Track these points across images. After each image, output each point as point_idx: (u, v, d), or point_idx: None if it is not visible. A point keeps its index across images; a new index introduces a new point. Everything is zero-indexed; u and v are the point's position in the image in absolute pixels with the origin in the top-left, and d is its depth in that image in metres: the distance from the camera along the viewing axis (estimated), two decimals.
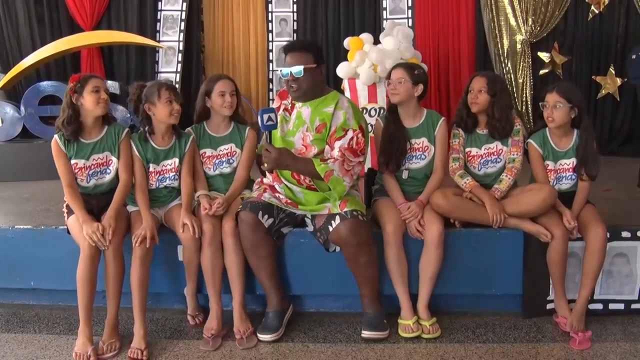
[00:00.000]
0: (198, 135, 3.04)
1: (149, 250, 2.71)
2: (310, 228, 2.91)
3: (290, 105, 2.93)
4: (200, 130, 3.07)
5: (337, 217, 2.73)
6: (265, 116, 2.61)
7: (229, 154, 3.04)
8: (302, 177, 2.85)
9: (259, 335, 2.78)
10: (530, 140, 2.99)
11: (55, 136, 2.77)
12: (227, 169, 3.05)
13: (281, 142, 2.87)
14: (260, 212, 2.76)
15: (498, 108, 2.93)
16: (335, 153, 2.74)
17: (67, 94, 2.75)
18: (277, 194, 2.87)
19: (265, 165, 2.71)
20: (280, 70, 2.82)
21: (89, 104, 2.74)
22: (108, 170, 2.84)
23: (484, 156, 3.00)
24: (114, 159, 2.84)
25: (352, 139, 2.76)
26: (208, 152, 3.03)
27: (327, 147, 2.81)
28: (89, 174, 2.80)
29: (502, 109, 2.93)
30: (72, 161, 2.77)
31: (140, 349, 2.63)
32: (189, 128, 3.07)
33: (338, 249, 2.84)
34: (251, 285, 2.94)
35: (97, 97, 2.74)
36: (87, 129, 2.80)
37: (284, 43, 6.72)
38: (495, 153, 2.99)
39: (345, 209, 2.73)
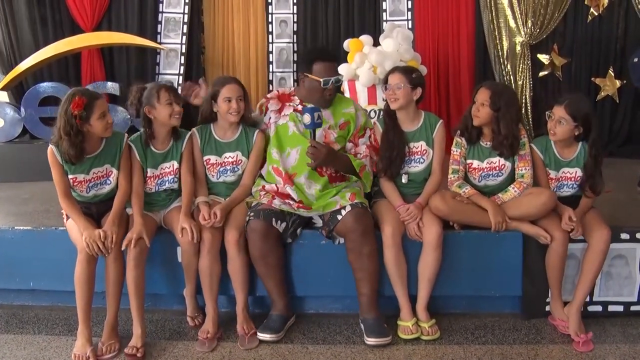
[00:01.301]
0: (203, 139, 3.00)
1: (143, 252, 2.70)
2: (319, 223, 2.93)
3: (300, 106, 2.99)
4: (206, 133, 3.01)
5: (347, 207, 2.79)
6: (316, 114, 2.76)
7: (234, 163, 3.00)
8: (324, 169, 2.95)
9: (259, 334, 2.78)
10: (532, 145, 2.95)
11: (52, 147, 2.69)
12: (231, 178, 3.02)
13: (302, 140, 2.93)
14: (274, 218, 2.79)
15: (503, 124, 2.82)
16: (362, 150, 3.06)
17: (69, 118, 2.59)
18: (287, 200, 2.89)
19: (312, 161, 2.82)
20: (333, 80, 2.91)
21: (97, 130, 2.67)
22: (108, 181, 2.81)
23: (485, 170, 2.95)
24: (115, 170, 2.80)
25: (370, 136, 3.11)
26: (212, 159, 3.00)
27: (349, 144, 3.07)
28: (89, 186, 2.77)
29: (507, 125, 2.82)
30: (71, 176, 2.72)
31: (136, 347, 2.64)
32: (194, 129, 3.02)
33: (342, 240, 2.86)
34: (252, 287, 2.94)
35: (105, 123, 2.67)
36: (88, 147, 2.73)
37: (284, 45, 6.77)
38: (497, 168, 2.94)
39: (355, 200, 2.82)
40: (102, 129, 2.68)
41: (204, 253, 2.78)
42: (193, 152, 2.98)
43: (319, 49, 3.12)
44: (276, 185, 2.95)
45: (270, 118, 3.04)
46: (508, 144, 2.85)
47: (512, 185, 2.90)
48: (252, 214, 2.81)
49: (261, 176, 3.08)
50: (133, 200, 2.81)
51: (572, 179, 2.90)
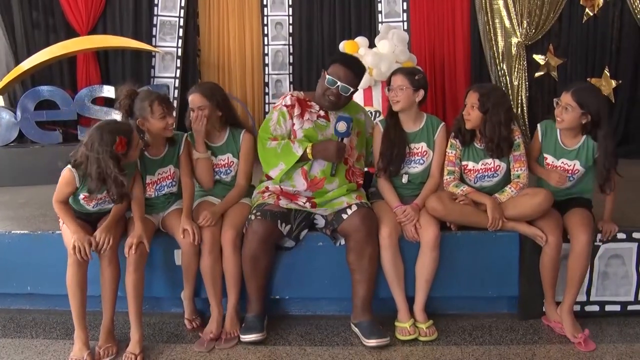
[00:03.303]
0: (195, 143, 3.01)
1: (142, 256, 2.70)
2: (320, 223, 2.93)
3: (322, 111, 2.97)
4: None
5: (354, 206, 2.82)
6: (350, 124, 2.84)
7: (226, 165, 3.04)
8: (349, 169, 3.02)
9: (243, 336, 2.78)
10: (538, 126, 2.95)
11: (73, 170, 2.59)
12: (226, 179, 3.06)
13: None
14: (279, 220, 2.80)
15: (489, 126, 2.82)
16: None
17: (107, 155, 2.49)
18: (295, 200, 2.89)
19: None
20: (339, 85, 2.86)
21: (132, 159, 2.68)
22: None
23: (480, 171, 2.95)
24: None
25: None
26: None
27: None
28: (96, 203, 2.74)
29: (493, 127, 2.82)
30: (82, 195, 2.68)
31: (134, 354, 2.63)
32: (186, 135, 3.03)
33: (342, 242, 2.88)
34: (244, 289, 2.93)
35: (139, 151, 2.70)
36: None
37: (280, 47, 6.76)
38: (492, 169, 2.94)
39: (362, 200, 2.87)
40: (136, 157, 2.71)
41: (205, 254, 2.79)
42: (190, 155, 2.98)
43: (345, 54, 3.13)
44: (283, 186, 2.93)
45: (294, 124, 2.94)
46: (494, 145, 2.85)
47: (508, 185, 2.91)
48: (258, 213, 2.81)
49: (262, 178, 3.08)
50: (134, 208, 2.80)
51: (570, 171, 2.88)
